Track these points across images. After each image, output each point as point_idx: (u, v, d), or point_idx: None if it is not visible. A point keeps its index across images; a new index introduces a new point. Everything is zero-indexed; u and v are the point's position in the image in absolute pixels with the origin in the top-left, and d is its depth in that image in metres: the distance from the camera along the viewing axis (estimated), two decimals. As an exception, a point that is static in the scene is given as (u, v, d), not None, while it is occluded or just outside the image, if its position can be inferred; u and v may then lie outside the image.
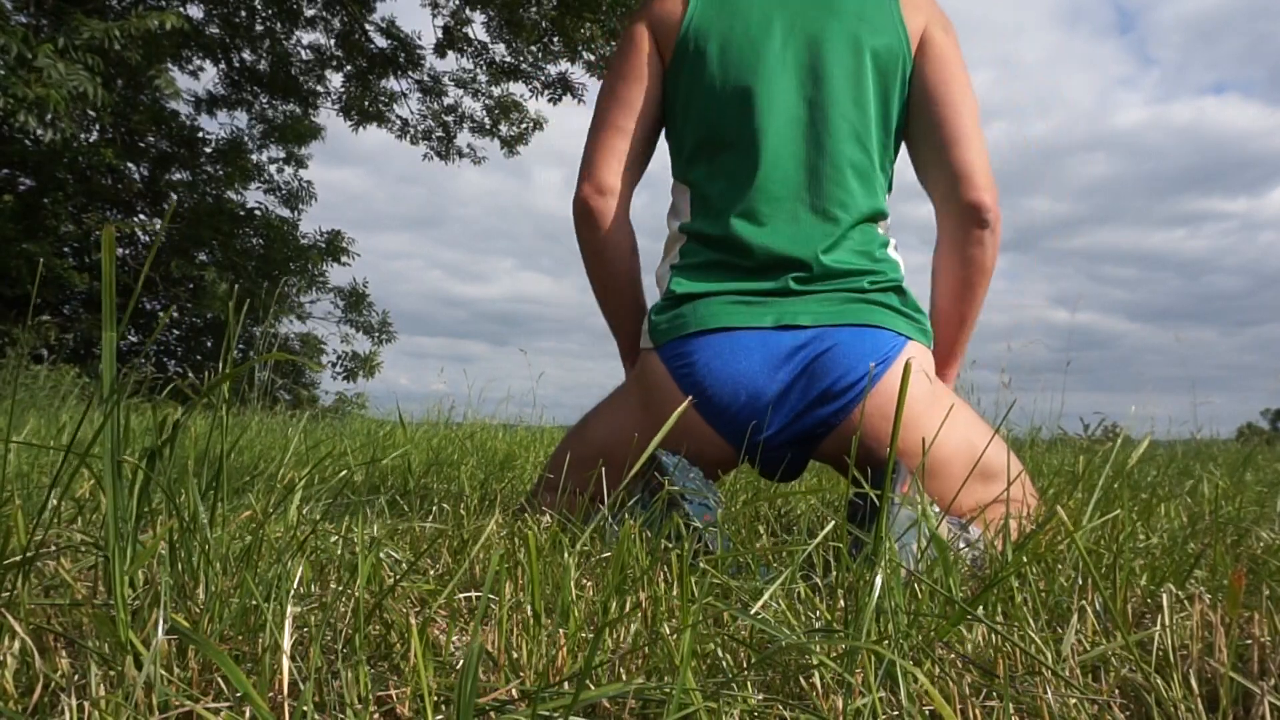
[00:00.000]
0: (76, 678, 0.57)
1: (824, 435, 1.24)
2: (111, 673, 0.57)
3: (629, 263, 1.43)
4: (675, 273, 1.35)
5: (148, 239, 9.75)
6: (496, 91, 10.64)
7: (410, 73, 10.59)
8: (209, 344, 10.16)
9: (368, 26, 10.27)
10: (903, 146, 1.44)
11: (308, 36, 10.37)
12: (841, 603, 0.75)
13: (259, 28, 10.06)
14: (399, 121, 10.90)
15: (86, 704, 0.52)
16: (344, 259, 10.99)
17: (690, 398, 1.07)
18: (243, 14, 9.79)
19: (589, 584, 0.88)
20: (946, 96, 1.34)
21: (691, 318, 1.27)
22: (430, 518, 1.24)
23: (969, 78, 1.38)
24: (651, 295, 1.47)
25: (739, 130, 1.33)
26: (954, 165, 1.32)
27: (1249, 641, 0.65)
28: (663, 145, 1.49)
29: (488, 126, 10.91)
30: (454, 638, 0.68)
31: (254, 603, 0.65)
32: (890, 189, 1.42)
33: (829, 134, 1.32)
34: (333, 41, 10.31)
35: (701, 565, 0.82)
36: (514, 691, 0.56)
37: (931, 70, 1.36)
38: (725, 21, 1.37)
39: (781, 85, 1.33)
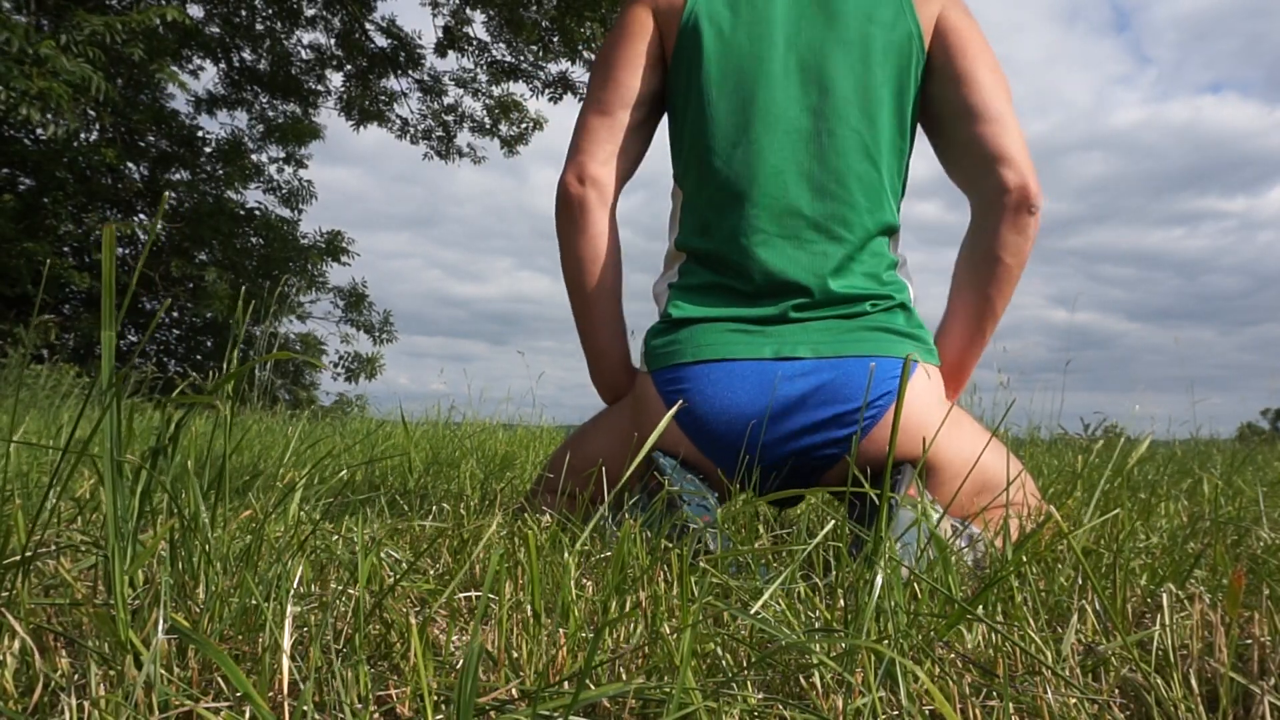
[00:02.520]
0: (76, 677, 0.57)
1: (825, 469, 1.20)
2: (111, 672, 0.57)
3: (608, 267, 1.34)
4: (673, 293, 1.30)
5: (147, 238, 9.74)
6: (496, 91, 10.66)
7: (410, 72, 10.60)
8: (209, 344, 10.16)
9: (368, 26, 10.28)
10: (917, 145, 1.37)
11: (308, 36, 10.40)
12: (841, 602, 0.75)
13: (259, 27, 10.07)
14: (399, 121, 10.92)
15: (86, 704, 0.52)
16: (344, 259, 11.00)
17: (675, 405, 1.03)
18: (243, 13, 9.79)
19: (589, 584, 0.88)
20: (973, 78, 1.26)
21: (688, 346, 1.22)
22: (430, 517, 1.24)
23: (995, 58, 1.29)
24: (648, 310, 1.41)
25: (739, 145, 1.26)
26: (992, 149, 1.23)
27: (1249, 641, 0.65)
28: (659, 142, 1.42)
29: (488, 126, 10.92)
30: (454, 637, 0.68)
31: (254, 602, 0.65)
32: (903, 194, 1.35)
33: (834, 149, 1.25)
34: (333, 41, 10.33)
35: (701, 565, 0.82)
36: (514, 691, 0.56)
37: (954, 55, 1.28)
38: (726, 18, 1.29)
39: (783, 94, 1.26)
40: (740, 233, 1.25)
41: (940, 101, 1.30)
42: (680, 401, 1.06)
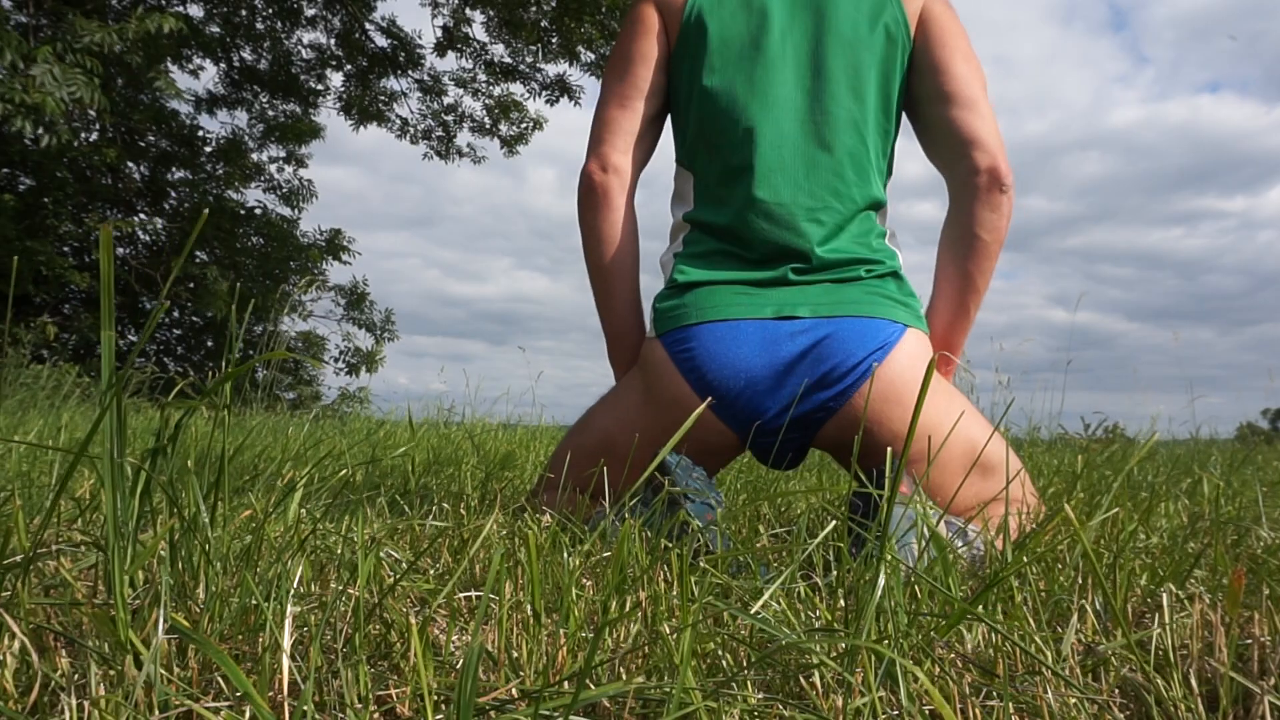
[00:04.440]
0: (76, 677, 0.57)
1: (824, 420, 1.25)
2: (111, 672, 0.57)
3: (628, 251, 1.42)
4: (679, 260, 1.37)
5: (148, 238, 9.75)
6: (496, 91, 10.65)
7: (410, 72, 10.59)
8: (209, 343, 10.16)
9: (368, 26, 10.28)
10: (903, 133, 1.45)
11: (308, 35, 10.38)
12: (841, 602, 0.75)
13: (259, 27, 10.06)
14: (399, 121, 10.91)
15: (86, 703, 0.52)
16: (344, 258, 11.00)
17: (709, 400, 1.07)
18: (243, 13, 9.79)
19: (589, 584, 0.88)
20: (950, 67, 1.35)
21: (693, 307, 1.29)
22: (430, 517, 1.24)
23: (973, 50, 1.38)
24: (654, 282, 1.47)
25: (739, 121, 1.34)
26: (964, 132, 1.32)
27: (1249, 641, 0.65)
28: (667, 129, 1.50)
29: (488, 126, 10.92)
30: (454, 637, 0.68)
31: (254, 602, 0.65)
32: (890, 174, 1.43)
33: (827, 125, 1.33)
34: (333, 41, 10.32)
35: (701, 565, 0.83)
36: (514, 691, 0.56)
37: (933, 45, 1.37)
38: (725, 9, 1.39)
39: (781, 76, 1.35)
40: (744, 205, 1.33)
41: (920, 88, 1.39)
42: (710, 400, 1.10)
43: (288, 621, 0.58)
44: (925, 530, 0.81)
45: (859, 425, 1.20)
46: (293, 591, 0.66)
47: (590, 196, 1.39)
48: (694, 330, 1.27)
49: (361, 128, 10.71)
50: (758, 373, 1.24)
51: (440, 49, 10.24)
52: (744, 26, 1.37)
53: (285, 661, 0.55)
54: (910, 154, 1.45)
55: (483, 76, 10.48)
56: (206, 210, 0.72)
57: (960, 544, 1.00)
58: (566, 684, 0.57)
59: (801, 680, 0.59)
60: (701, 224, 1.37)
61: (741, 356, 1.25)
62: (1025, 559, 0.85)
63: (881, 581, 0.64)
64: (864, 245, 1.33)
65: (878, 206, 1.37)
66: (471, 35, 10.16)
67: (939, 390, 1.24)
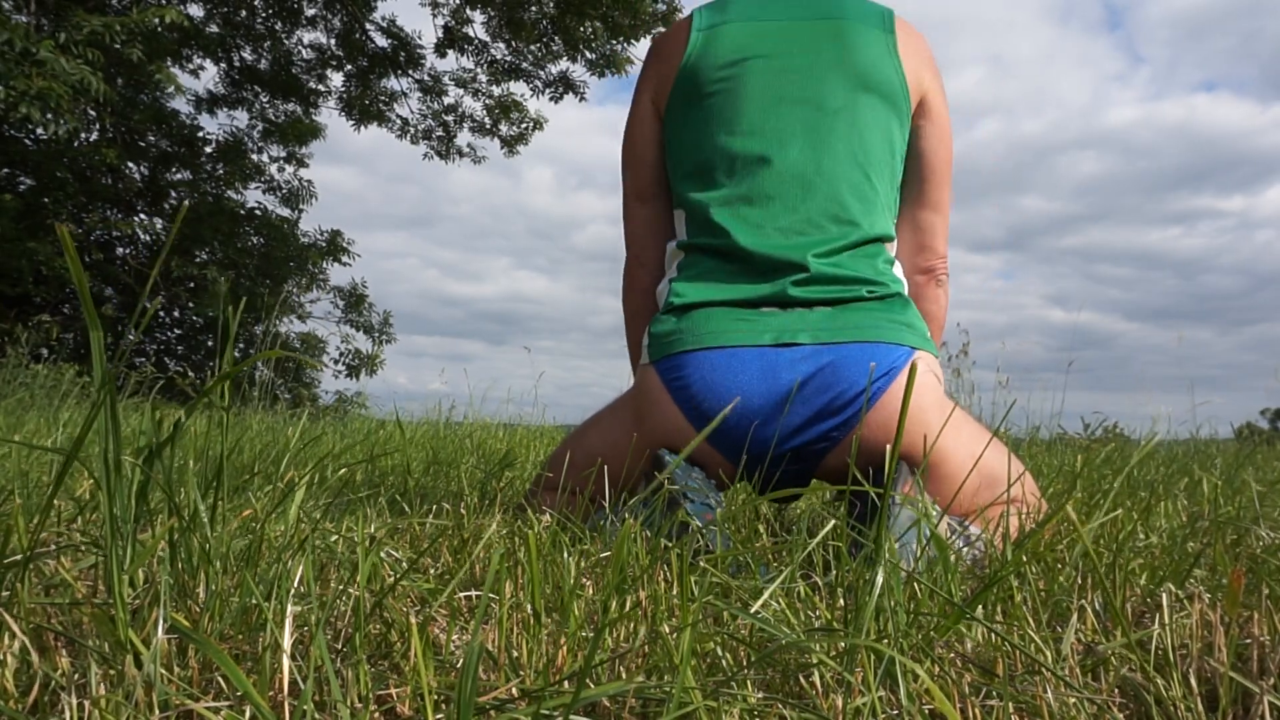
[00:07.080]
0: (76, 677, 0.57)
1: (826, 450, 1.21)
2: (111, 672, 0.57)
3: None
4: (674, 283, 1.33)
5: (148, 238, 9.76)
6: (497, 91, 10.66)
7: (410, 72, 10.60)
8: (209, 344, 10.16)
9: (368, 26, 10.28)
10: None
11: (308, 35, 10.39)
12: (841, 601, 0.75)
13: (259, 27, 10.06)
14: (399, 121, 10.91)
15: (86, 703, 0.52)
16: (344, 259, 11.00)
17: (733, 402, 1.04)
18: (243, 13, 9.79)
19: (589, 583, 0.88)
20: (937, 164, 1.41)
21: (688, 333, 1.25)
22: (430, 517, 1.24)
23: (951, 134, 1.44)
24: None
25: (739, 157, 1.31)
26: (922, 235, 1.41)
27: (1249, 641, 0.65)
28: None
29: (488, 126, 10.92)
30: (454, 637, 0.68)
31: (254, 602, 0.65)
32: (897, 212, 1.41)
33: (828, 155, 1.30)
34: (333, 40, 10.32)
35: (701, 564, 0.83)
36: (514, 690, 0.56)
37: (931, 134, 1.40)
38: (723, 52, 1.35)
39: (783, 116, 1.32)
40: (746, 232, 1.30)
41: (905, 171, 1.42)
42: (732, 402, 1.09)
43: (288, 621, 0.58)
44: (926, 529, 0.81)
45: (862, 454, 1.18)
46: (293, 591, 0.66)
47: (634, 289, 1.47)
48: (689, 358, 1.23)
49: (362, 127, 10.72)
50: (756, 402, 1.19)
51: (440, 49, 10.24)
52: (744, 68, 1.34)
53: (285, 661, 0.55)
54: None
55: (483, 76, 10.48)
56: (184, 202, 0.72)
57: (962, 544, 1.00)
58: (566, 683, 0.57)
59: (801, 680, 0.59)
60: (696, 248, 1.34)
61: (739, 386, 1.20)
62: (1024, 558, 0.85)
63: (879, 580, 0.64)
64: (869, 266, 1.29)
65: (883, 239, 1.34)
66: (472, 35, 10.16)
67: (950, 416, 1.21)
